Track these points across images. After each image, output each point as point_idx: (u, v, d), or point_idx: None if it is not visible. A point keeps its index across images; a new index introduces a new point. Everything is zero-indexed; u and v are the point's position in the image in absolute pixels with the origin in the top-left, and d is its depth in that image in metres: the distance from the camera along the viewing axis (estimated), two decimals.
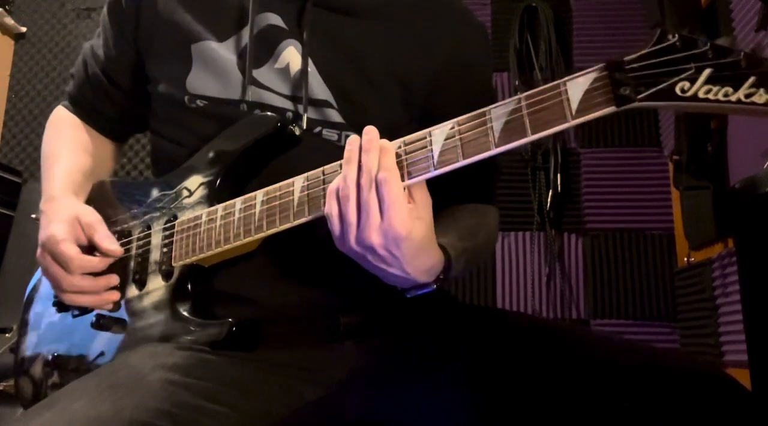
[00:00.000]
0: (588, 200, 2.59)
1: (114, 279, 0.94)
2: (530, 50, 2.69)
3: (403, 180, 0.75)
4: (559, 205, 2.57)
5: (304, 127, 0.94)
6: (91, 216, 0.96)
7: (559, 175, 2.57)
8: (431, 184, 0.78)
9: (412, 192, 0.76)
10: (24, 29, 3.11)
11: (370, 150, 0.74)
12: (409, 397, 0.90)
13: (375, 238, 0.73)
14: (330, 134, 0.95)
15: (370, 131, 0.75)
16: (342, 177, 0.75)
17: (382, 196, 0.72)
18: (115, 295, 0.95)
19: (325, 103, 0.96)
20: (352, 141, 0.76)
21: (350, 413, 0.92)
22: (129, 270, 0.97)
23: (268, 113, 0.95)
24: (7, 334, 2.19)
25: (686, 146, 2.09)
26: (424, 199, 0.77)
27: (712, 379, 0.78)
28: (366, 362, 0.93)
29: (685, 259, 2.30)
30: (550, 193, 2.56)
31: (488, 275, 2.58)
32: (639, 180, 2.56)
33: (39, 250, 0.95)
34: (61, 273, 0.92)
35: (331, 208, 0.76)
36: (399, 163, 0.76)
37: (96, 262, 0.93)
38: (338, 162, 0.79)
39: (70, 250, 0.91)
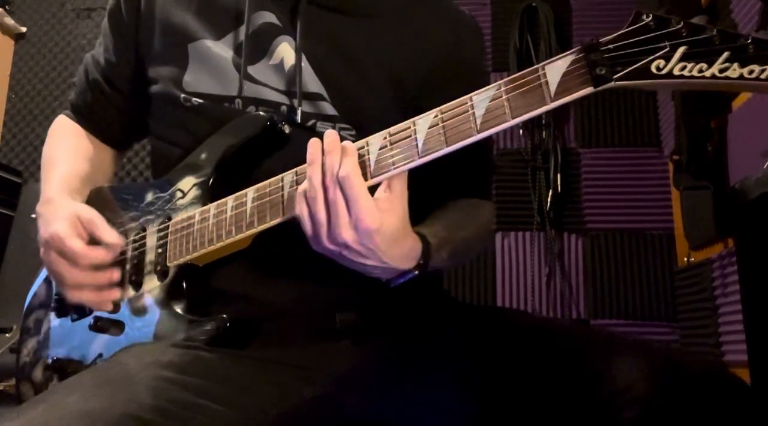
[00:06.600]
0: (588, 200, 2.58)
1: (115, 274, 0.94)
2: (530, 50, 2.69)
3: (388, 170, 0.77)
4: (559, 205, 2.57)
5: (299, 120, 0.95)
6: (90, 212, 0.96)
7: (559, 175, 2.57)
8: (426, 178, 0.79)
9: (390, 182, 0.78)
10: (24, 29, 3.12)
11: (331, 151, 0.76)
12: (407, 397, 0.91)
13: (347, 235, 0.75)
14: (324, 127, 0.96)
15: (331, 134, 0.78)
16: (307, 179, 0.77)
17: (347, 194, 0.75)
18: (116, 293, 0.95)
19: (318, 96, 0.97)
20: (313, 144, 0.78)
21: (348, 412, 0.92)
22: (125, 271, 0.97)
23: (260, 113, 0.96)
24: (7, 334, 2.19)
25: (686, 146, 2.09)
26: (401, 190, 0.78)
27: (716, 376, 0.78)
28: (364, 361, 0.93)
29: (685, 259, 2.30)
30: (550, 193, 2.56)
31: (488, 275, 2.58)
32: (639, 180, 2.56)
33: (42, 249, 0.96)
34: (66, 269, 0.92)
35: (301, 210, 0.78)
36: (385, 154, 0.78)
37: (103, 254, 0.93)
38: None
39: (76, 245, 0.91)
